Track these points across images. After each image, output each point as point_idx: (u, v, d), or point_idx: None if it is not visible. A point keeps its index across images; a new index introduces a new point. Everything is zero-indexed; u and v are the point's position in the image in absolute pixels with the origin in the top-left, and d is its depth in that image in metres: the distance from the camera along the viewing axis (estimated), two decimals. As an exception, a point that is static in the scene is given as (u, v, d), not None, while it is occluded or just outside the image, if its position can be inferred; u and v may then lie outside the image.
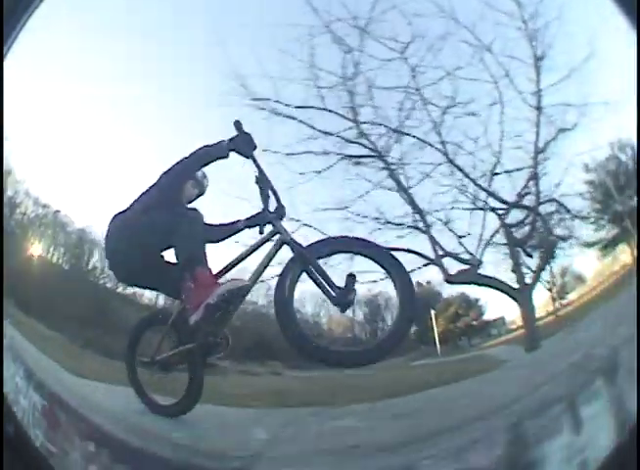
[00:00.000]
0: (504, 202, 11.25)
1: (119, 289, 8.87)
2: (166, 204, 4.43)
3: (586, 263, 17.46)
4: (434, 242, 10.60)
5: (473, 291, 14.89)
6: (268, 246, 4.54)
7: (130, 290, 8.74)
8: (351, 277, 4.25)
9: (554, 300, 17.92)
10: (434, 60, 11.29)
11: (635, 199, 17.47)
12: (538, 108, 12.54)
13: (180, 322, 4.40)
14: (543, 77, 12.60)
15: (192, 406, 4.70)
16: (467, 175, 12.34)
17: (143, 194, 4.63)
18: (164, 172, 4.66)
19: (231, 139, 4.37)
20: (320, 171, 10.10)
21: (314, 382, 12.24)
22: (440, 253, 10.49)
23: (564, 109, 12.74)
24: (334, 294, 4.16)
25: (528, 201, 13.56)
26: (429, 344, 17.78)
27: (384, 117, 10.77)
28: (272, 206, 4.65)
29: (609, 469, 1.84)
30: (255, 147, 4.53)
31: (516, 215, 10.80)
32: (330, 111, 10.97)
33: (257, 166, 4.52)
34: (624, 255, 16.22)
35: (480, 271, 10.53)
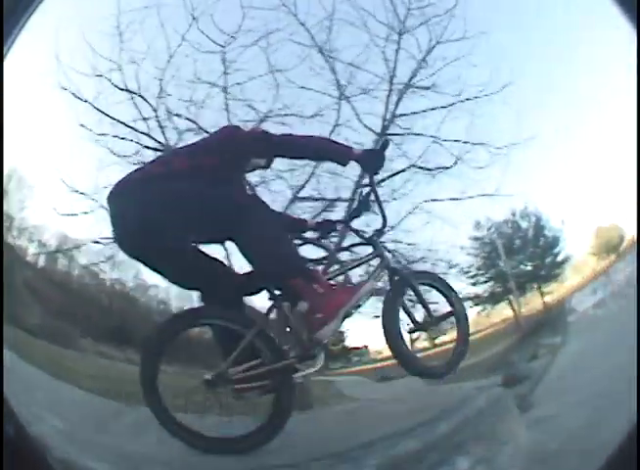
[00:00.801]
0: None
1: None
2: (227, 177, 3.77)
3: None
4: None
5: None
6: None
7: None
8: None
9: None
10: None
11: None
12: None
13: (280, 328, 3.91)
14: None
15: (271, 438, 3.67)
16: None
17: (195, 149, 4.01)
18: (250, 134, 4.19)
19: (365, 151, 4.07)
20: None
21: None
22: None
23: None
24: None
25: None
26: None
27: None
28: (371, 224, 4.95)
29: (609, 469, 1.78)
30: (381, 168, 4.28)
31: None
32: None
33: (372, 183, 4.39)
34: (504, 311, 17.48)
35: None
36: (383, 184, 13.19)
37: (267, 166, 4.41)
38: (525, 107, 16.06)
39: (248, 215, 3.38)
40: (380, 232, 4.58)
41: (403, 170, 13.68)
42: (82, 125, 11.12)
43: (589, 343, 12.13)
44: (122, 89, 11.78)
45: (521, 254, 19.98)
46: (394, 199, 13.83)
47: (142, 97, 12.03)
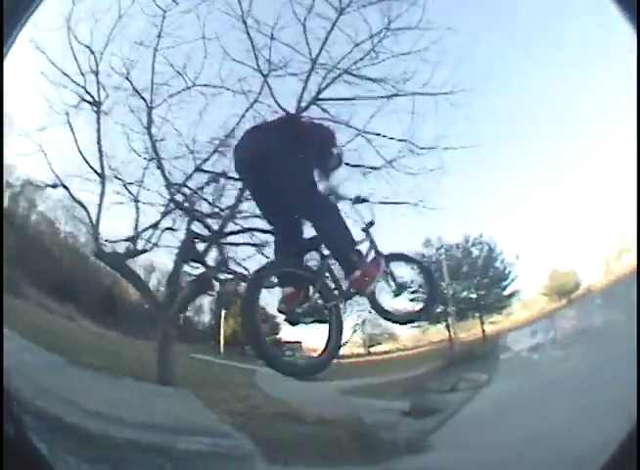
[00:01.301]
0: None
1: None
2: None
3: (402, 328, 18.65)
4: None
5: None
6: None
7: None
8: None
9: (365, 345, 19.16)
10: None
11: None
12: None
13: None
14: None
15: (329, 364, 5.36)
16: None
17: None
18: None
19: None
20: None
21: (102, 338, 12.46)
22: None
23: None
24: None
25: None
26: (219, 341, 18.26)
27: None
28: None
29: (609, 469, 1.88)
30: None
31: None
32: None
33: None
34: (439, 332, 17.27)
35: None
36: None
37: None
38: (480, 114, 15.73)
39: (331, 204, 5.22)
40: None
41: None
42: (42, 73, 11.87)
43: (516, 386, 11.91)
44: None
45: (467, 280, 20.06)
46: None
47: (91, 51, 12.31)
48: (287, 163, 4.65)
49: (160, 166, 11.79)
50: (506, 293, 19.81)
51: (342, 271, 5.18)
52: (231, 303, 20.67)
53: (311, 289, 5.04)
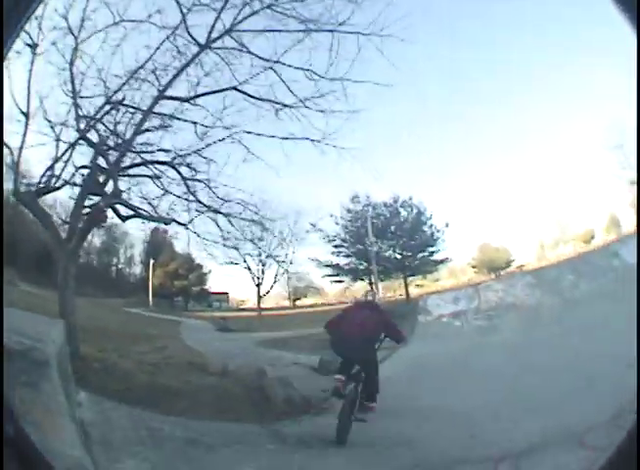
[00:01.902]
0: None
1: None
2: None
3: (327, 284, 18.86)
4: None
5: (199, 255, 15.60)
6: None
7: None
8: None
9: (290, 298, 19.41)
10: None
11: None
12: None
13: None
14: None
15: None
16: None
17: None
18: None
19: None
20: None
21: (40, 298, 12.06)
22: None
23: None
24: None
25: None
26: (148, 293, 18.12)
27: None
28: None
29: (609, 469, 1.90)
30: None
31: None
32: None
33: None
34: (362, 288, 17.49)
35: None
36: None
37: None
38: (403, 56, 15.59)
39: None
40: None
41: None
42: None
43: (433, 350, 11.82)
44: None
45: (393, 240, 20.21)
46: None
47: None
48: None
49: (75, 102, 11.05)
50: (433, 258, 20.15)
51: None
52: (159, 252, 20.42)
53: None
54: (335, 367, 9.32)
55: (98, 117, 11.16)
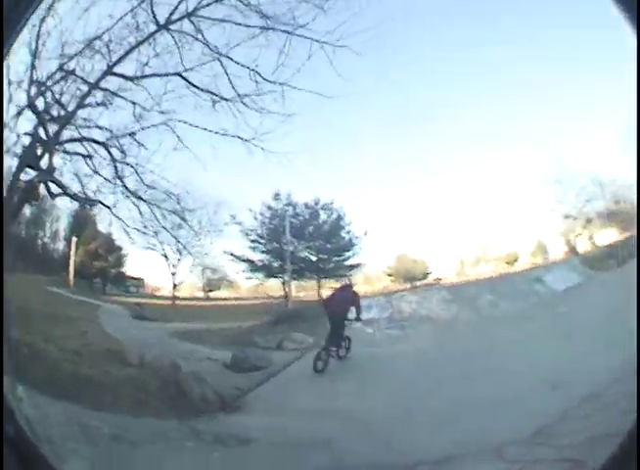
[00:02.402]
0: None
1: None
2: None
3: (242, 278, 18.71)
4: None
5: (119, 235, 15.65)
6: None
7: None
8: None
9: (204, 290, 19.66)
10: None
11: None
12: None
13: None
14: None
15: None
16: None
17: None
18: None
19: None
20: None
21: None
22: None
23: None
24: None
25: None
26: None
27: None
28: None
29: (609, 469, 1.92)
30: None
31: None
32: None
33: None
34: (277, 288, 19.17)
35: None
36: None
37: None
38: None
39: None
40: None
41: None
42: None
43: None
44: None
45: (310, 241, 20.29)
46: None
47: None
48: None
49: (33, 63, 10.82)
50: (348, 263, 20.51)
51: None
52: (83, 229, 19.59)
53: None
54: (246, 365, 10.53)
55: (49, 83, 11.01)
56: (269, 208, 19.64)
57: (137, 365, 9.00)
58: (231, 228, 18.81)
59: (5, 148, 10.02)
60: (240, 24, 12.32)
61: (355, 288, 16.06)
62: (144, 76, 12.14)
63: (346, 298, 12.52)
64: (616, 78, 17.60)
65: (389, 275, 21.97)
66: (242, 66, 12.74)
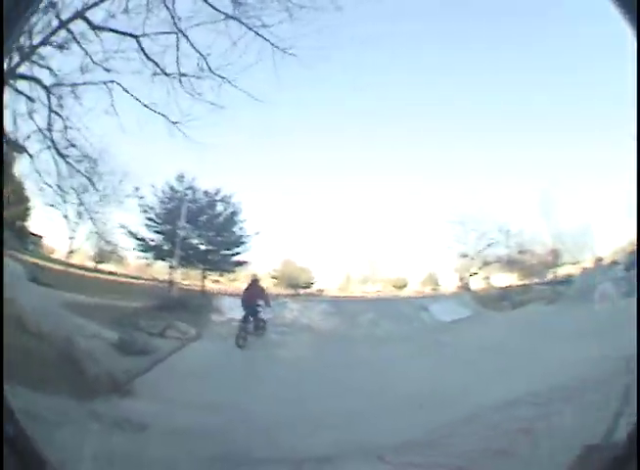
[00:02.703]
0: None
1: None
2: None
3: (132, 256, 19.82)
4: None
5: (30, 186, 15.76)
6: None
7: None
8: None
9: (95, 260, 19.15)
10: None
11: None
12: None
13: None
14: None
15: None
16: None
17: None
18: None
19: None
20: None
21: None
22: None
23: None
24: None
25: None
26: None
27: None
28: None
29: (609, 469, 1.91)
30: None
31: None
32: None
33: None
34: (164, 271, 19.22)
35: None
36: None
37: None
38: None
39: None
40: None
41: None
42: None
43: (220, 350, 12.83)
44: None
45: (202, 230, 20.50)
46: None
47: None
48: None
49: None
50: (235, 259, 20.88)
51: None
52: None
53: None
54: (133, 348, 10.63)
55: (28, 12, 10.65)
56: (171, 188, 19.58)
57: (37, 335, 8.75)
58: (132, 201, 18.68)
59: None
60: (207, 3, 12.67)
61: (237, 283, 19.56)
62: (104, 28, 12.17)
63: (255, 292, 15.50)
64: (541, 138, 19.55)
65: (274, 278, 22.47)
66: (194, 48, 13.00)
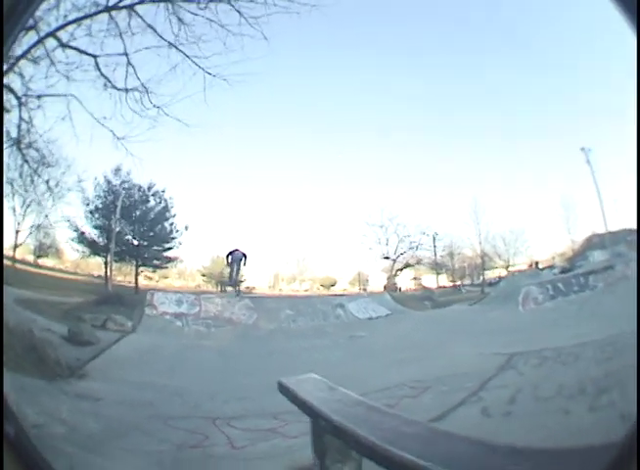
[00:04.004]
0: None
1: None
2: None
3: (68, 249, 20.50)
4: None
5: None
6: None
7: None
8: None
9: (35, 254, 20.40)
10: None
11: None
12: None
13: None
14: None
15: None
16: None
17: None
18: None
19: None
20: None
21: None
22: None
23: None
24: None
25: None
26: None
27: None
28: None
29: (610, 469, 1.84)
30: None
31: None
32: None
33: None
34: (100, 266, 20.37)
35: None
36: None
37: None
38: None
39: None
40: None
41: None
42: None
43: (156, 342, 14.18)
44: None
45: (135, 225, 21.12)
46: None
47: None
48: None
49: None
50: (166, 254, 22.01)
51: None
52: None
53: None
54: (81, 339, 12.24)
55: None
56: (108, 181, 20.54)
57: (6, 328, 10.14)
58: (73, 195, 19.57)
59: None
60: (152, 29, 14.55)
61: (168, 282, 20.77)
62: (72, 47, 14.04)
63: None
64: (474, 146, 22.02)
65: (203, 275, 24.03)
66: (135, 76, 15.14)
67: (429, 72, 22.71)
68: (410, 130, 23.35)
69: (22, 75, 13.65)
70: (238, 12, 15.18)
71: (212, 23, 15.09)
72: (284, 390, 4.16)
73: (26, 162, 15.83)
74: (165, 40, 14.90)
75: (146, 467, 6.36)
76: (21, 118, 14.03)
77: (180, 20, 14.82)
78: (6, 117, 13.42)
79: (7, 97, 13.13)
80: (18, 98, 13.66)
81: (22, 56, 12.93)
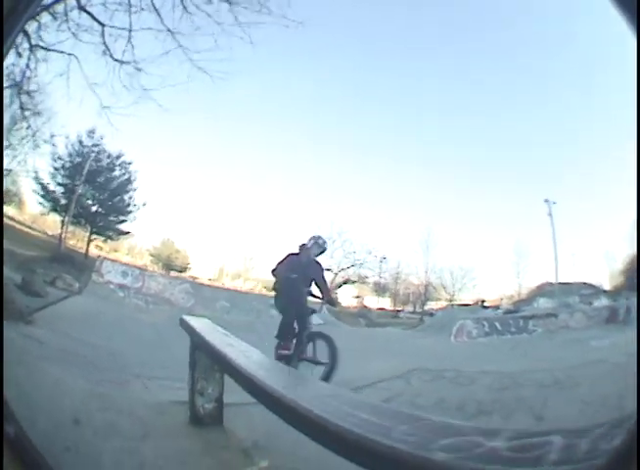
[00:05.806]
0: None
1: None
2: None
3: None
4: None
5: None
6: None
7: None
8: None
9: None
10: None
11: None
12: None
13: None
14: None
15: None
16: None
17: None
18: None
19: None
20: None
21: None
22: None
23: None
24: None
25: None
26: None
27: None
28: None
29: (610, 469, 1.78)
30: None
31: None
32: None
33: None
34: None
35: None
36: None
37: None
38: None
39: None
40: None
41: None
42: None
43: (97, 307, 15.00)
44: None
45: (96, 190, 21.60)
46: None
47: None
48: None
49: None
50: (119, 227, 22.70)
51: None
52: None
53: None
54: (32, 289, 13.30)
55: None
56: (80, 142, 21.17)
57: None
58: (47, 148, 20.18)
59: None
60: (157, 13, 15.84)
61: (117, 255, 20.59)
62: (87, 11, 15.23)
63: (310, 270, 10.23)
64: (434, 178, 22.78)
65: (152, 255, 24.56)
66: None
67: (402, 97, 24.18)
68: (377, 152, 24.87)
69: (39, 25, 14.80)
70: (234, 15, 16.46)
71: (210, 18, 16.27)
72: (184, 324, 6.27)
73: (22, 108, 16.76)
74: (165, 26, 16.01)
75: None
76: (27, 66, 15.14)
77: (185, 8, 15.91)
78: (15, 59, 14.48)
79: (21, 41, 14.14)
80: (30, 45, 14.79)
81: (46, 8, 14.02)
